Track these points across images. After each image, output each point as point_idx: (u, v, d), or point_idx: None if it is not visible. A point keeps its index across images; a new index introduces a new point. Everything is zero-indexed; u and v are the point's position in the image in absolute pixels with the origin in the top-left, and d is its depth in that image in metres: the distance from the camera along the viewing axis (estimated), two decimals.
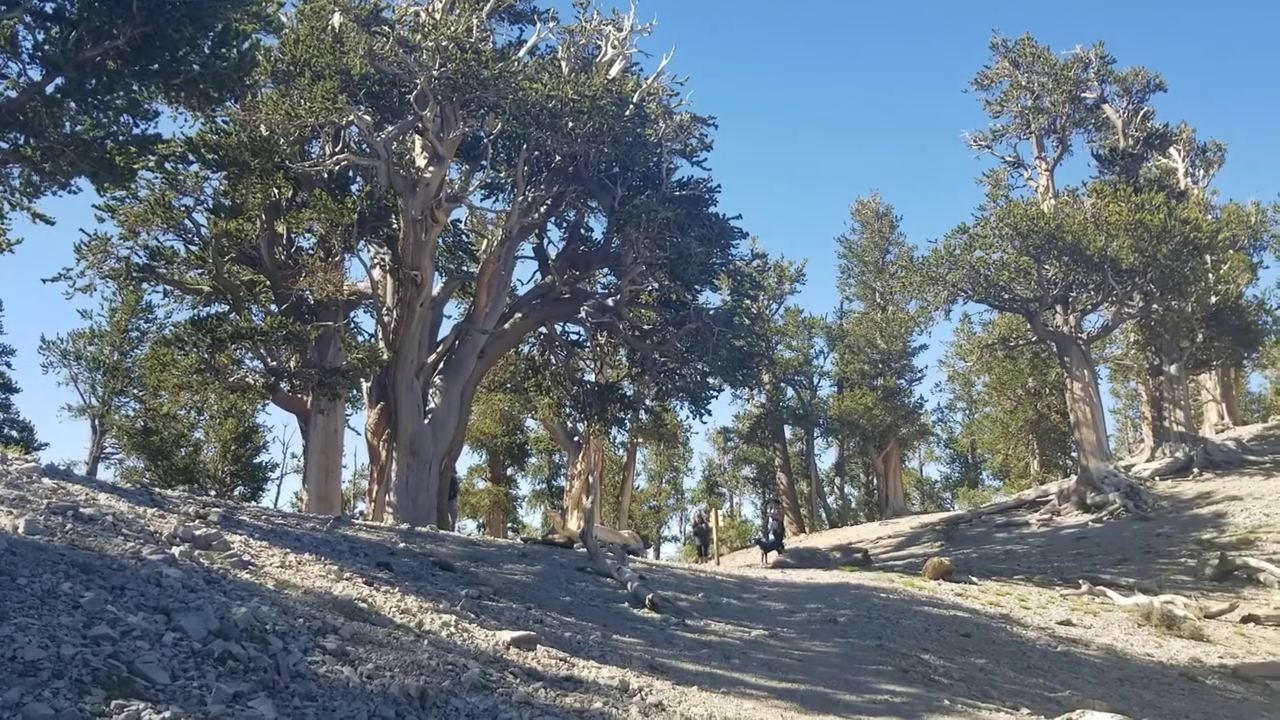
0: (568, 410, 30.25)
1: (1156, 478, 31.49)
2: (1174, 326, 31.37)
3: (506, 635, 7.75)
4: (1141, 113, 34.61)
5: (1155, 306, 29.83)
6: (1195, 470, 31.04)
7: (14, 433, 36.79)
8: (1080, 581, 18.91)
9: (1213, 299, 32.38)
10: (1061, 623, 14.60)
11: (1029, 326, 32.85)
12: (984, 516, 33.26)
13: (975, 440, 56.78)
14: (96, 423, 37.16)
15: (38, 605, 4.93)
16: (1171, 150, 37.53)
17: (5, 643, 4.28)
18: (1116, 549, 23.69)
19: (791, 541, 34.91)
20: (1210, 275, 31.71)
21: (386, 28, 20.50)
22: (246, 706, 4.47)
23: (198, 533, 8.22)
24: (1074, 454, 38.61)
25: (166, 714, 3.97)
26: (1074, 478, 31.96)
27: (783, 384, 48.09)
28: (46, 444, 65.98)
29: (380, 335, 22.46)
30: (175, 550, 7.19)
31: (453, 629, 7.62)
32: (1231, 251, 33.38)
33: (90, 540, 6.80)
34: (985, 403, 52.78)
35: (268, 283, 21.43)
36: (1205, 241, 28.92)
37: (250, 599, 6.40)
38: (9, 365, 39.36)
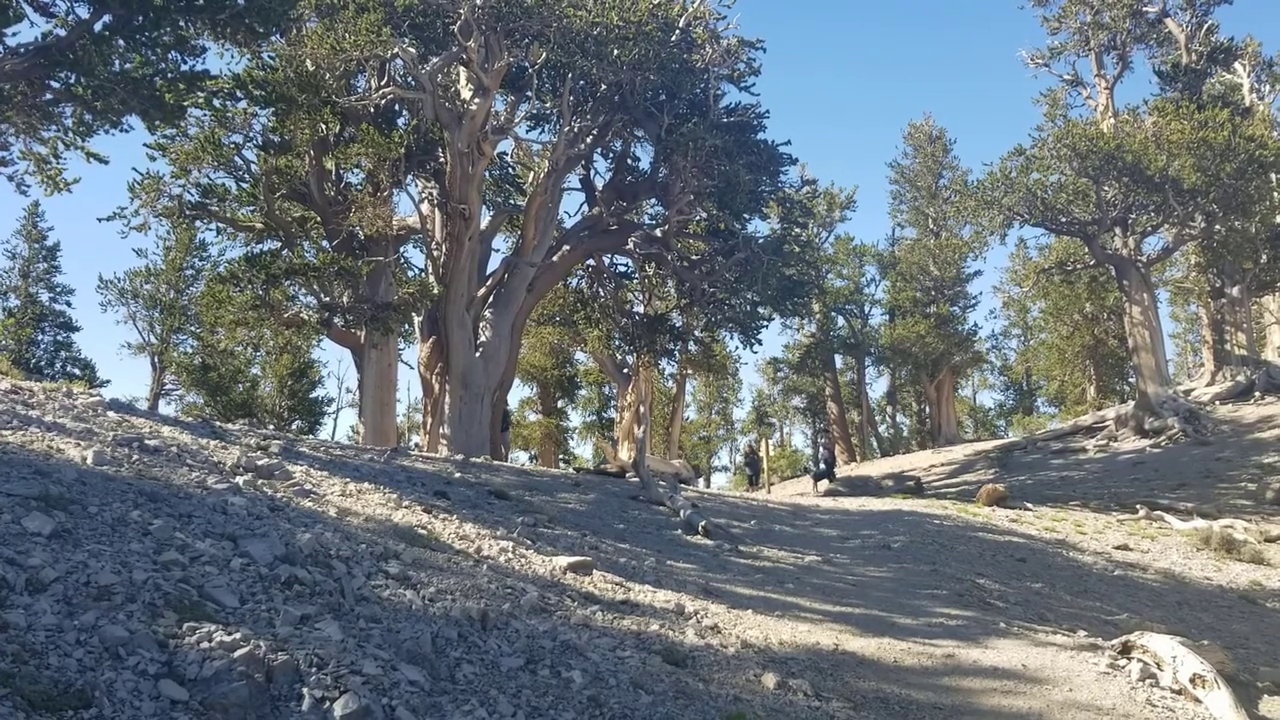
0: (617, 342, 30.29)
1: (1217, 402, 30.89)
2: (1237, 247, 30.48)
3: (563, 560, 7.85)
4: (1205, 26, 33.28)
5: (1218, 227, 28.97)
6: (1257, 394, 30.41)
7: (76, 370, 37.77)
8: (1138, 506, 18.70)
9: (1278, 218, 31.46)
10: (1119, 547, 14.46)
11: (1087, 250, 32.12)
12: (1039, 443, 32.89)
13: (1030, 367, 56.10)
14: (156, 359, 37.98)
15: (109, 532, 5.06)
16: (1236, 65, 36.11)
17: (79, 568, 4.39)
18: (1175, 474, 23.38)
19: (843, 470, 34.94)
20: (1276, 194, 30.72)
21: None
22: (314, 628, 4.57)
23: (260, 463, 8.37)
24: (1132, 379, 38.02)
25: (237, 635, 4.07)
26: (1132, 403, 31.45)
27: (833, 313, 47.73)
28: (108, 381, 67.70)
29: (430, 270, 22.57)
30: (239, 479, 7.34)
31: (510, 555, 7.73)
32: None
33: (156, 470, 6.95)
34: (1041, 328, 51.97)
35: (318, 219, 21.56)
36: (1271, 159, 27.91)
37: (314, 526, 6.53)
38: (69, 304, 40.42)
